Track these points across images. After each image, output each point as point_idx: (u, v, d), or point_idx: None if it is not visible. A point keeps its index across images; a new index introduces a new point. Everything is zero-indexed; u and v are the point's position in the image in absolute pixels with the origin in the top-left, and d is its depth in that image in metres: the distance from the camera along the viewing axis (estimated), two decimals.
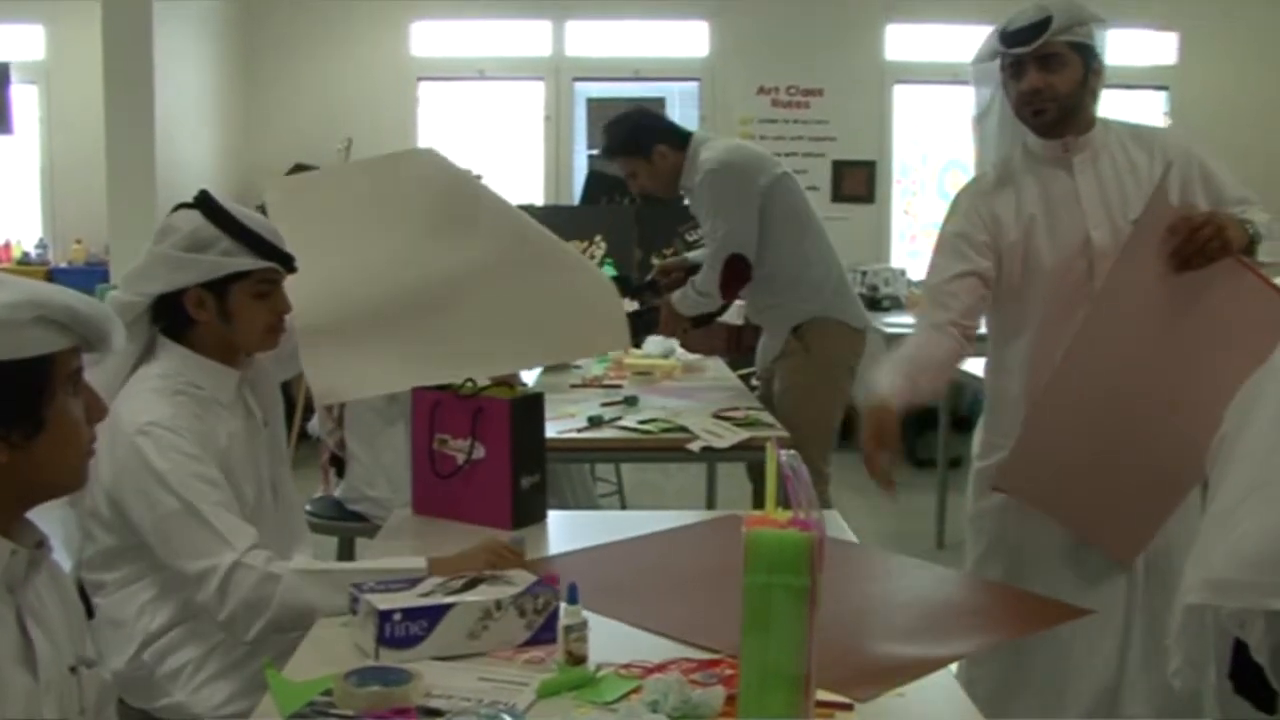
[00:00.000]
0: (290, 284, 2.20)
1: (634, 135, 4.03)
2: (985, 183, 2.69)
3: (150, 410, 2.03)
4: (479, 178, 2.62)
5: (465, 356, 2.49)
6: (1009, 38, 2.53)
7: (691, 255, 4.35)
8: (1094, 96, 2.59)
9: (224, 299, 2.12)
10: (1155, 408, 2.41)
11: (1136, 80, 7.50)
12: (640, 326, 4.17)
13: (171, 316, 2.14)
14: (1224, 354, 1.93)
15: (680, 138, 4.03)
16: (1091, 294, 2.46)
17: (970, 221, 2.64)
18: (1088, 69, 2.53)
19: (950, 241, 2.65)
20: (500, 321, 2.47)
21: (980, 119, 2.71)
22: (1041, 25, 2.48)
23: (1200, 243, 2.32)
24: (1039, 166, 2.62)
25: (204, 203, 2.12)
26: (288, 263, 2.17)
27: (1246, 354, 1.68)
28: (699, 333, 4.38)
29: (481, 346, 2.49)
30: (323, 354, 2.38)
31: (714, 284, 3.96)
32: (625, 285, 4.43)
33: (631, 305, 4.32)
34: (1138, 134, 2.63)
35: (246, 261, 2.10)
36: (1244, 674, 1.54)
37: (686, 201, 4.27)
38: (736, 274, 3.98)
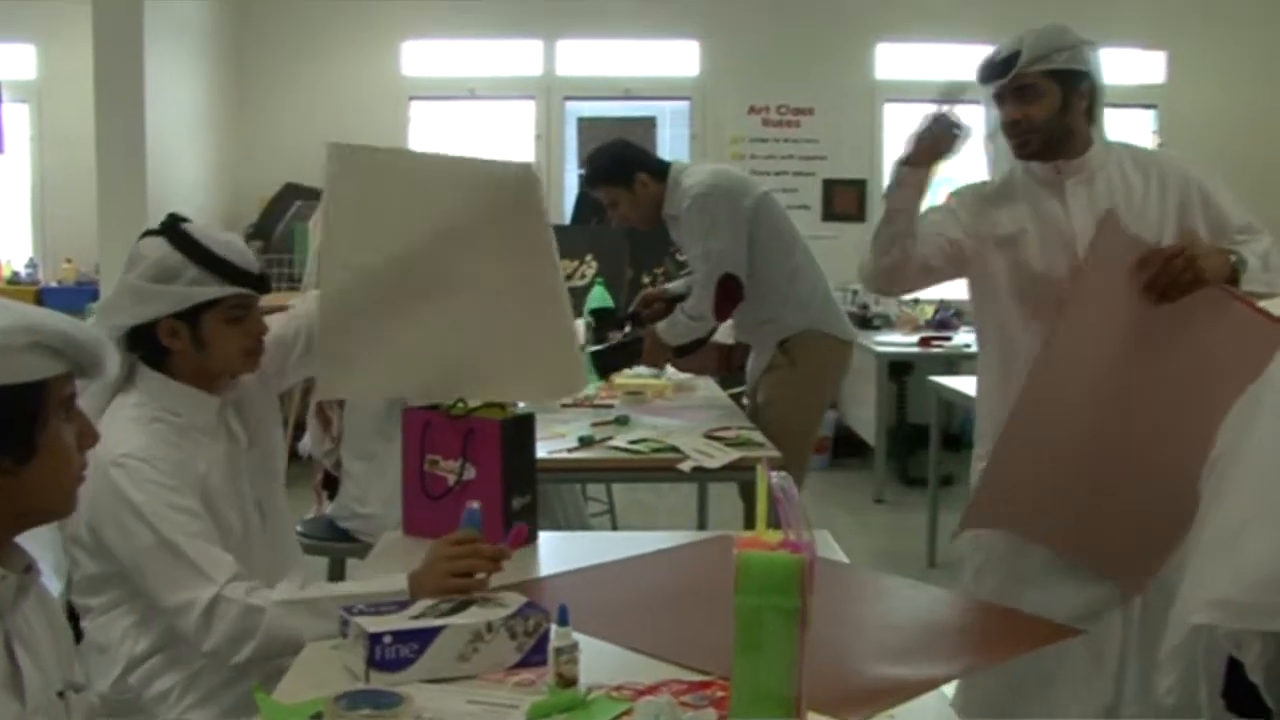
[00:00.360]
0: (328, 255, 2.16)
1: (616, 165, 4.07)
2: (989, 188, 2.74)
3: (125, 441, 2.00)
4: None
5: (460, 375, 2.46)
6: (983, 71, 2.57)
7: (671, 286, 4.36)
8: (1088, 118, 2.59)
9: (197, 327, 2.09)
10: (1142, 437, 2.39)
11: (1125, 99, 7.51)
12: (627, 356, 4.16)
13: (147, 346, 2.11)
14: (1215, 383, 1.91)
15: (661, 167, 4.07)
16: None
17: (967, 207, 2.71)
18: (1072, 94, 2.54)
19: (943, 208, 2.74)
20: (491, 347, 2.45)
21: (992, 137, 2.74)
22: (1011, 59, 2.51)
23: (1173, 275, 2.32)
24: (1035, 186, 2.64)
25: (170, 229, 2.09)
26: (260, 285, 2.14)
27: (1240, 382, 1.67)
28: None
29: (474, 367, 2.47)
30: (340, 343, 2.34)
31: (708, 305, 3.98)
32: (614, 315, 4.42)
33: (622, 333, 4.31)
34: (1138, 157, 2.64)
35: (215, 290, 2.07)
36: (1238, 693, 1.54)
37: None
38: (728, 294, 4.00)
